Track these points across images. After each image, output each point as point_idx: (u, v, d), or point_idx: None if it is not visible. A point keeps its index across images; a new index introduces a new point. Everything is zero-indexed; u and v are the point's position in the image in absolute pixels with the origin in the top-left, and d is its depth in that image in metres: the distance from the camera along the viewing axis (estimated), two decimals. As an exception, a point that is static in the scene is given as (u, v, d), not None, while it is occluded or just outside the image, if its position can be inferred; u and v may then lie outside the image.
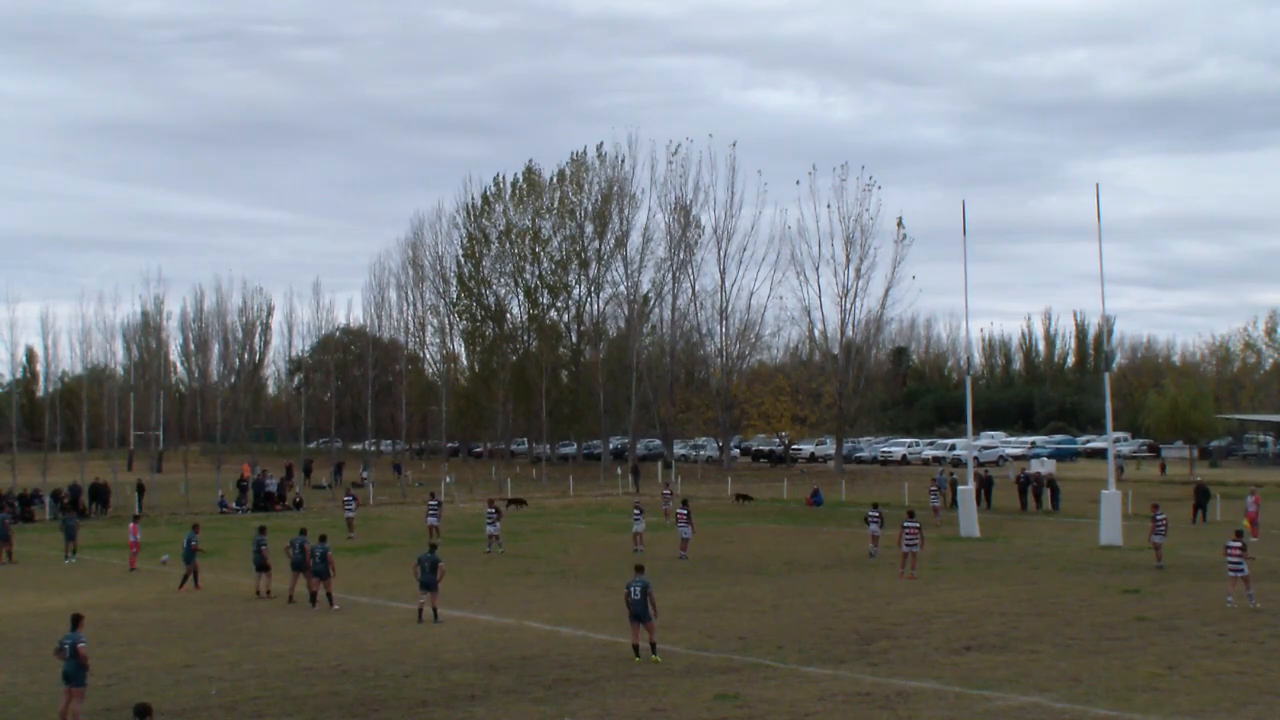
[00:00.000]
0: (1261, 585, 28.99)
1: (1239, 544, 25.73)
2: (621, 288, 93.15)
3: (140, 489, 57.13)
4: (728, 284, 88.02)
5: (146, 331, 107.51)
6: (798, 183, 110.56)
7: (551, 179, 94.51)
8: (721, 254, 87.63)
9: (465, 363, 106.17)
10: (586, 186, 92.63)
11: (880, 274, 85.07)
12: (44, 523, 50.81)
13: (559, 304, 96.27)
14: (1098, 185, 42.10)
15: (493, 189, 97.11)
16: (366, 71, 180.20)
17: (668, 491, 51.92)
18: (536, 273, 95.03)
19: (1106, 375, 47.48)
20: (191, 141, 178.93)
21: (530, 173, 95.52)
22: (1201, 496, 46.74)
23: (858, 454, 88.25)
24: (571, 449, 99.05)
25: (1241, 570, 25.49)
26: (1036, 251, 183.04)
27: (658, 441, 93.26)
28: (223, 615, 26.93)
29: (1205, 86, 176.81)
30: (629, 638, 21.35)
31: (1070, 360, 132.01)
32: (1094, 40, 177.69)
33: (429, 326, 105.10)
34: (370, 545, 41.02)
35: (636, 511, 39.22)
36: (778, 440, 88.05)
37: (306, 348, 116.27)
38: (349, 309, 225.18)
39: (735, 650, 21.90)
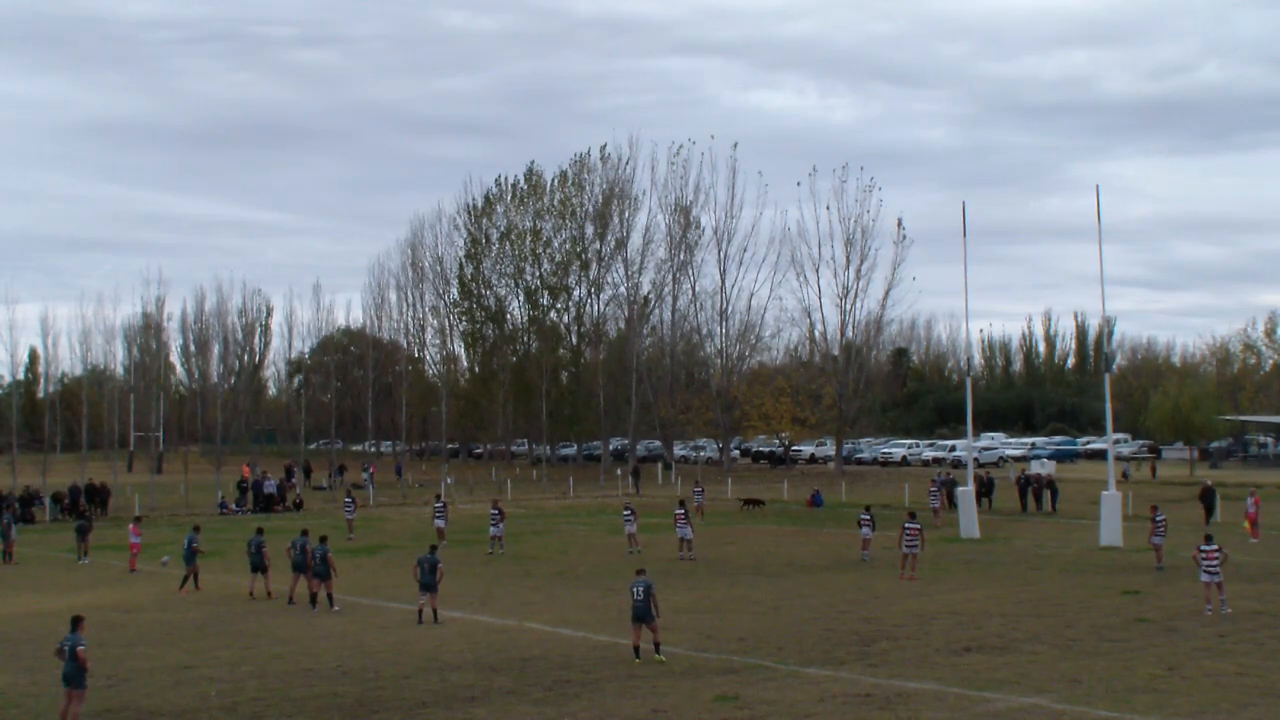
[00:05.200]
0: (1260, 586, 29.06)
1: (1214, 548, 25.55)
2: (622, 289, 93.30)
3: (101, 493, 56.27)
4: (728, 285, 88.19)
5: (146, 333, 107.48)
6: (798, 184, 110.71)
7: (552, 180, 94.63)
8: (722, 255, 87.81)
9: (465, 364, 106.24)
10: (587, 188, 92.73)
11: (880, 275, 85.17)
12: (44, 524, 50.83)
13: (559, 305, 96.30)
14: (1098, 186, 42.21)
15: (495, 190, 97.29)
16: (366, 72, 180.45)
17: (699, 489, 52.18)
18: (537, 274, 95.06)
19: (1107, 376, 47.47)
20: (191, 142, 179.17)
21: (532, 174, 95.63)
22: (1208, 498, 46.42)
23: (858, 455, 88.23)
24: (571, 450, 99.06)
25: (1217, 576, 25.32)
26: (1036, 253, 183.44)
27: (658, 443, 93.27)
28: (223, 616, 26.93)
29: (1205, 88, 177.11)
30: (629, 639, 21.35)
31: (1070, 361, 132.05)
32: (1094, 41, 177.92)
33: (429, 328, 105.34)
34: (370, 547, 41.02)
35: (627, 513, 39.20)
36: (778, 441, 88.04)
37: (306, 349, 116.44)
38: (349, 310, 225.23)
39: (735, 651, 21.91)
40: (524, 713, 17.65)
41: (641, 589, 21.17)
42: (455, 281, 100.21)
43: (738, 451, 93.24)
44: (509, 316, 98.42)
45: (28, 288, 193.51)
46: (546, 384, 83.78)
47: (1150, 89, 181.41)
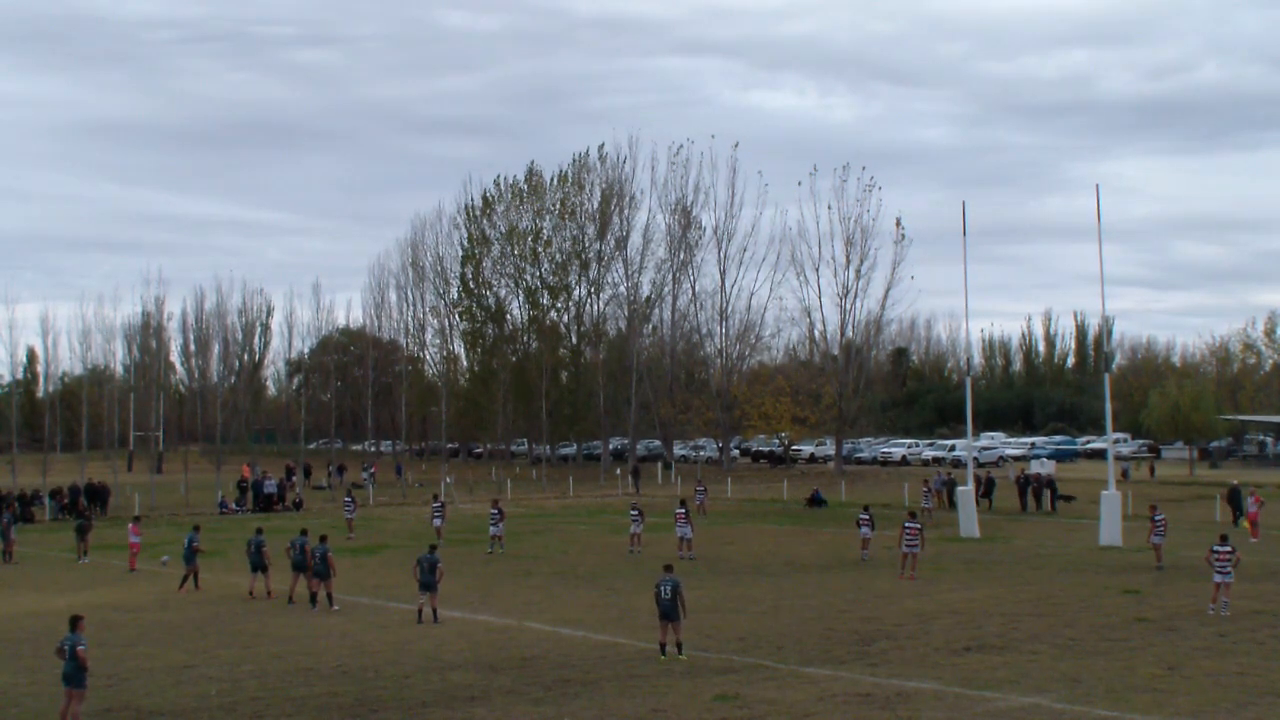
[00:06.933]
0: (1261, 586, 29.06)
1: (1228, 549, 25.53)
2: (622, 288, 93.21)
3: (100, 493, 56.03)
4: (728, 285, 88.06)
5: (146, 332, 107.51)
6: (799, 184, 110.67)
7: (552, 180, 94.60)
8: (722, 255, 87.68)
9: (465, 364, 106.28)
10: (587, 187, 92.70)
11: (880, 275, 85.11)
12: (44, 523, 50.82)
13: (559, 305, 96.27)
14: (1098, 186, 42.22)
15: (494, 190, 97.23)
16: (366, 72, 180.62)
17: (701, 488, 52.33)
18: (537, 274, 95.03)
19: (1106, 376, 47.47)
20: (191, 142, 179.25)
21: (531, 174, 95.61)
22: (1235, 498, 45.36)
23: (857, 455, 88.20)
24: (571, 450, 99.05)
25: (1229, 576, 25.30)
26: (1036, 252, 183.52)
27: (658, 442, 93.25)
28: (223, 616, 26.92)
29: (1205, 87, 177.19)
30: (629, 638, 21.31)
31: (1070, 361, 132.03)
32: (1094, 41, 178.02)
33: (429, 327, 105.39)
34: (370, 546, 41.01)
35: (634, 513, 39.18)
36: (778, 441, 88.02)
37: (306, 349, 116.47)
38: (349, 310, 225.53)
39: (735, 651, 21.90)
40: (524, 713, 17.64)
41: (669, 588, 21.13)
42: (455, 281, 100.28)
43: (738, 451, 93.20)
44: (509, 316, 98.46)
45: (28, 288, 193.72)
46: (546, 384, 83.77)
47: (1150, 89, 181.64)
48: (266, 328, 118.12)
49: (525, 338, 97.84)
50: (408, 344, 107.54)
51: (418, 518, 51.57)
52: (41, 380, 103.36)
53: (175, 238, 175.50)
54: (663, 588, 21.18)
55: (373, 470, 74.12)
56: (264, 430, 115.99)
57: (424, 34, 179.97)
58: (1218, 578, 25.30)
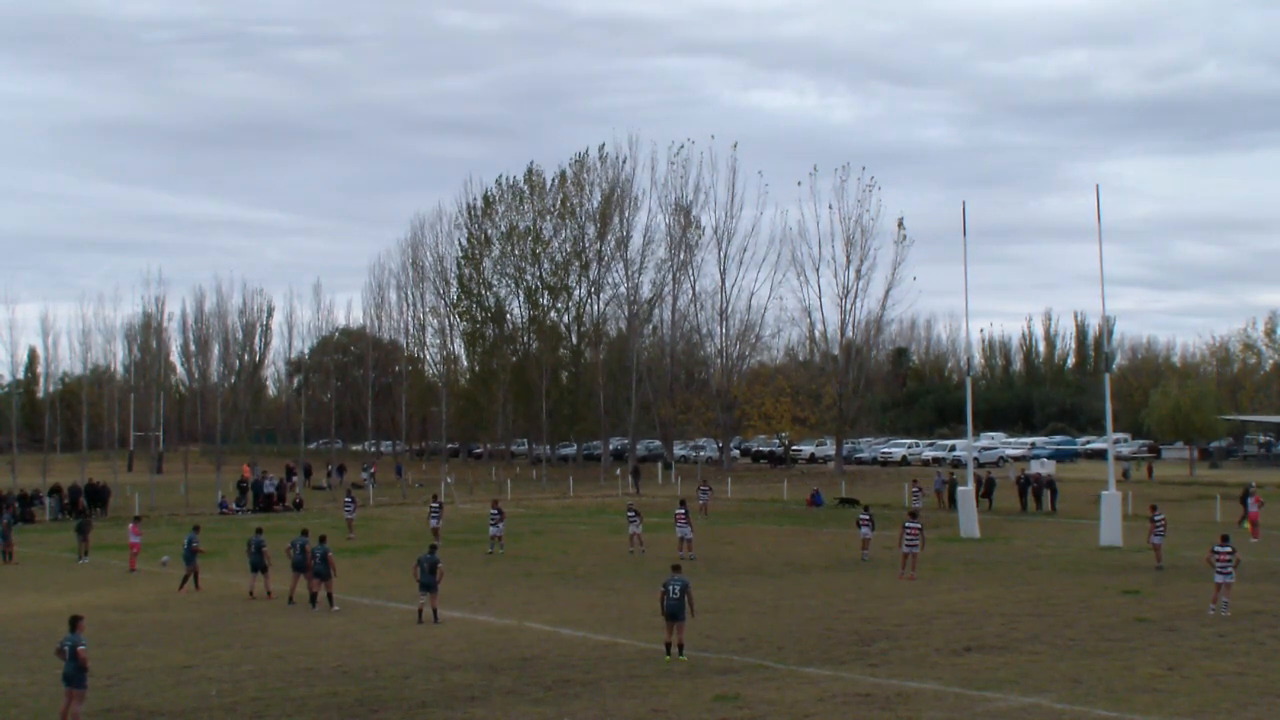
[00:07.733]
0: (1260, 586, 29.06)
1: (1228, 549, 25.52)
2: (622, 289, 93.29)
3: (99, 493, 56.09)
4: (728, 285, 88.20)
5: (147, 332, 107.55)
6: (799, 184, 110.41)
7: (553, 180, 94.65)
8: (722, 255, 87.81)
9: (465, 364, 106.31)
10: (587, 188, 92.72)
11: (880, 275, 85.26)
12: (44, 523, 50.83)
13: (559, 305, 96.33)
14: (1098, 186, 42.23)
15: (495, 190, 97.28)
16: (366, 72, 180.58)
17: (706, 488, 52.35)
18: (537, 274, 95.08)
19: (1107, 376, 47.41)
20: (191, 142, 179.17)
21: (531, 174, 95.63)
22: (1247, 499, 44.30)
23: (858, 455, 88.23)
24: (571, 450, 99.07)
25: (1230, 577, 25.29)
26: (1036, 252, 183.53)
27: (658, 442, 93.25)
28: (223, 616, 26.92)
29: (1205, 87, 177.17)
30: (628, 638, 21.30)
31: (1070, 361, 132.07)
32: (1093, 41, 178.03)
33: (429, 328, 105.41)
34: (370, 546, 41.01)
35: (631, 513, 39.17)
36: (778, 441, 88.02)
37: (306, 349, 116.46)
38: (349, 310, 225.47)
39: (735, 651, 21.90)
40: (524, 713, 17.64)
41: (678, 587, 21.14)
42: (455, 281, 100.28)
43: (738, 451, 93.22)
44: (509, 316, 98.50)
45: (28, 288, 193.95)
46: (546, 384, 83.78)
47: (1150, 89, 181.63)
48: (266, 328, 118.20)
49: (525, 338, 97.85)
50: (408, 344, 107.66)
51: (418, 518, 51.56)
52: (42, 380, 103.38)
53: (175, 238, 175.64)
54: (671, 587, 21.20)
55: (373, 470, 74.18)
56: (264, 430, 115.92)
57: (424, 34, 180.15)
58: (1219, 578, 25.27)
